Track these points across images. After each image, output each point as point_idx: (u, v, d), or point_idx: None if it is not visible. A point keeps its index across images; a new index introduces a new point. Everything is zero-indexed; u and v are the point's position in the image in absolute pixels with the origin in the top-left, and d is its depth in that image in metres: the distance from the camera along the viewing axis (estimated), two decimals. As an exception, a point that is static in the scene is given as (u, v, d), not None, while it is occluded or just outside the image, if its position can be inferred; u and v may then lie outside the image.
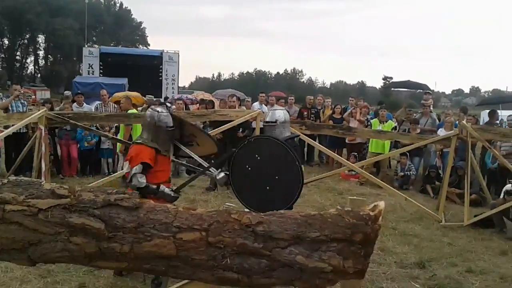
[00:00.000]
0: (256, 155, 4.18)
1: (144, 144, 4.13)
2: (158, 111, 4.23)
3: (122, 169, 8.43)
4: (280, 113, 4.69)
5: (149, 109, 4.36)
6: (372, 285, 4.66)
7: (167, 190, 4.17)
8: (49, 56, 61.13)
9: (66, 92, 11.98)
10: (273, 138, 4.34)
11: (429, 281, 4.82)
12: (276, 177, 4.06)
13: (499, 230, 6.75)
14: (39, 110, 7.28)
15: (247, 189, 4.32)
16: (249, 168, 4.20)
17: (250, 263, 2.12)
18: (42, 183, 2.34)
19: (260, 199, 4.16)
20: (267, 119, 4.70)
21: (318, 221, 2.13)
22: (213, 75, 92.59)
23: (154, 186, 4.08)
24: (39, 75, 58.88)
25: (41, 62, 61.42)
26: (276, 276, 2.12)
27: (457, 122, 9.47)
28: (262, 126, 4.85)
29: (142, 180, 4.00)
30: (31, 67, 60.45)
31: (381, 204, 2.18)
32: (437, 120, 10.83)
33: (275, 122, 4.60)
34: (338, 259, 2.07)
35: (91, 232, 2.20)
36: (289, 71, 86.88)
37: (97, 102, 10.85)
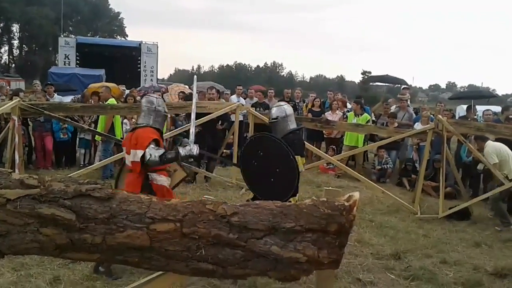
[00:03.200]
0: (259, 151, 4.52)
1: (148, 126, 4.29)
2: (156, 97, 4.60)
3: (99, 160, 8.34)
4: (279, 109, 4.84)
5: (146, 96, 4.69)
6: (349, 276, 4.71)
7: (185, 150, 4.16)
8: (24, 45, 59.66)
9: (35, 81, 11.56)
10: (268, 135, 4.67)
11: (405, 272, 4.90)
12: (277, 170, 4.39)
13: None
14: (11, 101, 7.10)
15: (257, 182, 4.63)
16: (255, 163, 4.55)
17: (225, 253, 2.11)
18: (11, 173, 2.27)
19: (268, 190, 4.46)
20: (271, 117, 4.87)
21: (293, 211, 2.13)
22: (192, 67, 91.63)
23: (173, 152, 4.15)
24: (13, 65, 57.45)
25: (16, 52, 59.95)
26: (251, 267, 2.11)
27: (433, 116, 9.61)
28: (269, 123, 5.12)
29: (159, 150, 4.08)
30: (5, 57, 58.97)
31: (356, 195, 2.19)
32: (414, 114, 10.97)
33: (276, 118, 4.78)
34: (313, 249, 2.06)
35: (61, 223, 2.14)
36: (269, 65, 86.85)
37: (75, 96, 10.64)
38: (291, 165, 4.35)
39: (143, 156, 4.04)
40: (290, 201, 4.35)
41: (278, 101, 11.40)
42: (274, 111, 4.83)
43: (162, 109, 4.48)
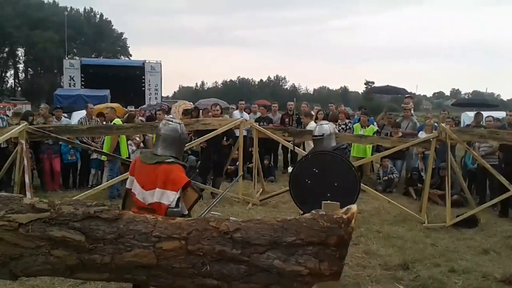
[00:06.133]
0: (314, 169, 4.59)
1: (177, 163, 3.57)
2: (179, 123, 3.76)
3: (107, 180, 8.42)
4: (326, 127, 5.15)
5: (166, 121, 3.77)
6: (358, 288, 4.72)
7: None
8: (29, 69, 60.43)
9: (42, 105, 11.65)
10: (324, 152, 4.83)
11: (413, 282, 4.89)
12: (335, 184, 4.48)
13: None
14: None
15: (310, 200, 4.61)
16: (309, 182, 4.61)
17: (229, 269, 2.17)
18: (22, 198, 2.36)
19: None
20: (315, 133, 5.13)
21: (293, 225, 2.19)
22: (196, 84, 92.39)
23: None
24: (19, 88, 58.15)
25: (21, 75, 60.71)
26: (255, 281, 2.17)
27: (436, 124, 9.64)
28: (312, 140, 5.44)
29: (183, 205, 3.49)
30: (11, 81, 59.72)
31: (354, 207, 2.25)
32: (418, 123, 10.99)
33: (322, 135, 5.06)
34: (314, 262, 2.12)
35: (71, 244, 2.22)
36: (272, 78, 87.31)
37: (81, 116, 10.79)
38: (352, 177, 4.53)
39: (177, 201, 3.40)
40: None
41: (287, 114, 11.58)
42: (319, 129, 5.12)
43: (186, 135, 3.86)
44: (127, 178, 6.54)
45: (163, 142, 3.63)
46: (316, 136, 5.11)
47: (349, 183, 4.52)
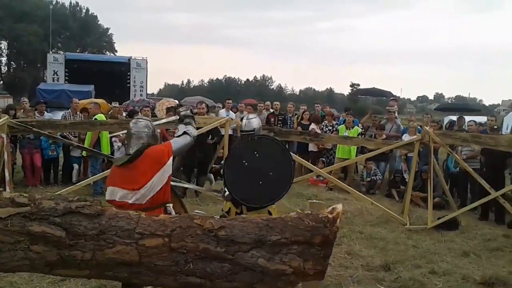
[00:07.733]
0: (255, 152, 4.41)
1: (148, 145, 3.67)
2: (149, 120, 4.00)
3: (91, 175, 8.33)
4: (256, 122, 4.94)
5: (136, 119, 3.88)
6: (339, 289, 4.74)
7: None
8: (12, 62, 59.40)
9: (23, 99, 11.44)
10: (275, 139, 4.69)
11: (394, 283, 4.93)
12: (270, 174, 4.35)
13: None
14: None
15: (240, 182, 4.46)
16: (246, 163, 4.41)
17: (212, 267, 2.15)
18: (1, 192, 2.30)
19: (251, 192, 4.39)
20: (245, 129, 4.89)
21: (279, 224, 2.18)
22: (182, 81, 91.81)
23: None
24: (1, 82, 57.11)
25: (4, 69, 59.63)
26: (239, 280, 2.15)
27: (420, 127, 9.74)
28: (240, 135, 5.16)
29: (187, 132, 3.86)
30: (-7, 74, 58.64)
31: (339, 207, 2.25)
32: (402, 126, 11.08)
33: (253, 130, 4.84)
34: (298, 261, 2.12)
35: (51, 240, 2.18)
36: (258, 78, 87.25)
37: (65, 111, 10.65)
38: (288, 172, 4.42)
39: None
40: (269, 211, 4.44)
41: (273, 114, 11.58)
42: (248, 124, 4.88)
43: (157, 132, 3.98)
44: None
45: (136, 140, 3.61)
46: (245, 131, 4.88)
47: (284, 177, 4.40)
